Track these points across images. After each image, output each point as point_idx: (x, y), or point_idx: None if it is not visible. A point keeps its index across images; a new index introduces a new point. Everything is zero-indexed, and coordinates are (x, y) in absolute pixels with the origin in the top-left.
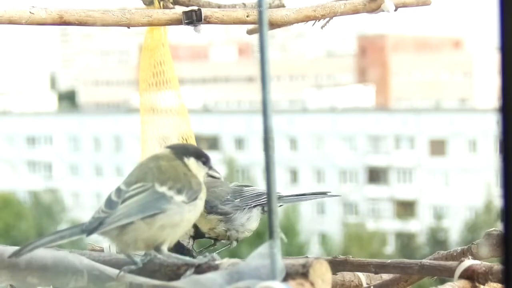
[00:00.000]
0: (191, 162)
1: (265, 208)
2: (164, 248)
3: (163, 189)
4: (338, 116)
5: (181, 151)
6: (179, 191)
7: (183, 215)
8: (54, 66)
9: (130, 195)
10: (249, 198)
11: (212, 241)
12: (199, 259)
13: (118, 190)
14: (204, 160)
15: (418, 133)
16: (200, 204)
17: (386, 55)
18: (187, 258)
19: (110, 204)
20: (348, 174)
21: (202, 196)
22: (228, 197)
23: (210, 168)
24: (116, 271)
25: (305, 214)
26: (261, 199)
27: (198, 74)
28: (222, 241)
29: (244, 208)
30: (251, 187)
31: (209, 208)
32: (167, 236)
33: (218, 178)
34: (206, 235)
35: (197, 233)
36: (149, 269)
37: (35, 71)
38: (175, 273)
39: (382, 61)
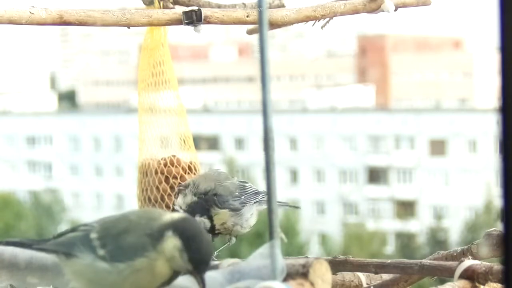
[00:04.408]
0: (170, 241)
1: (260, 206)
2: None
3: (93, 236)
4: (338, 116)
5: (166, 226)
6: (103, 245)
7: (98, 272)
8: (54, 66)
9: (72, 230)
10: (251, 195)
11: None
12: None
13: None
14: (188, 247)
15: (418, 133)
16: (126, 271)
17: (386, 55)
18: None
19: (60, 233)
20: (348, 174)
21: (139, 264)
22: (237, 193)
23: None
24: None
25: (305, 214)
26: (259, 197)
27: (198, 74)
28: (222, 235)
29: (248, 204)
30: (249, 184)
31: (222, 203)
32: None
33: None
34: (216, 231)
35: (209, 229)
36: None
37: (35, 71)
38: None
39: (382, 61)
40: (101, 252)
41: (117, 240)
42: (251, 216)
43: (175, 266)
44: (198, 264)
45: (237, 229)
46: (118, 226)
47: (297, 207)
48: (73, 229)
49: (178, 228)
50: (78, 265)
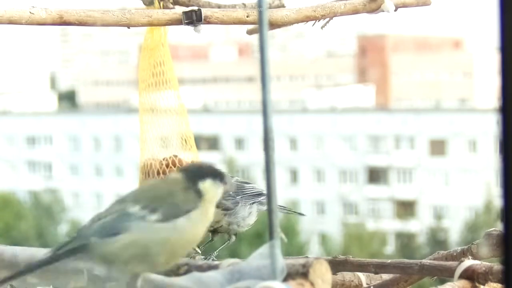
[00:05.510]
0: (207, 185)
1: (261, 206)
2: (140, 278)
3: (134, 209)
4: (338, 116)
5: (195, 174)
6: (153, 210)
7: (155, 235)
8: (54, 66)
9: (102, 216)
10: (249, 196)
11: (210, 236)
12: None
13: (101, 212)
14: (220, 178)
15: (418, 133)
16: (186, 223)
17: (386, 55)
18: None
19: (80, 228)
20: (348, 174)
21: (195, 216)
22: (230, 192)
23: (226, 183)
24: None
25: (305, 214)
26: (261, 198)
27: (198, 74)
28: (222, 235)
29: (244, 204)
30: (251, 185)
31: None
32: (137, 257)
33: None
34: (210, 228)
35: None
36: None
37: (35, 71)
38: (175, 273)
39: (382, 61)
40: (153, 217)
41: (167, 201)
42: (249, 215)
43: (217, 202)
44: (227, 183)
45: (233, 228)
46: (159, 192)
47: (302, 214)
48: (93, 221)
49: (200, 175)
50: (127, 239)
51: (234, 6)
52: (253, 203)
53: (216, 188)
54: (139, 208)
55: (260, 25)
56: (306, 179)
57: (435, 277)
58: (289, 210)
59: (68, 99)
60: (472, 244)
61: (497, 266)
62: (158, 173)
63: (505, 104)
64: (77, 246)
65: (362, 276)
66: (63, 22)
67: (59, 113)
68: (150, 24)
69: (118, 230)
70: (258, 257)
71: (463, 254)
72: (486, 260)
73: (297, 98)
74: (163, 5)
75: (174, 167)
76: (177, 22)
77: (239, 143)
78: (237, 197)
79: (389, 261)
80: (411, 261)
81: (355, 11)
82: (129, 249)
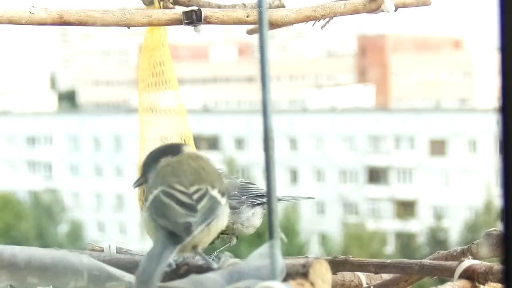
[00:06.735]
0: None
1: (265, 207)
2: (199, 248)
3: (214, 193)
4: (338, 116)
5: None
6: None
7: (225, 219)
8: (54, 66)
9: (196, 198)
10: (254, 197)
11: None
12: (217, 262)
13: (182, 192)
14: None
15: (418, 133)
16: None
17: (386, 55)
18: (211, 260)
19: (190, 207)
20: (348, 174)
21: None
22: (236, 192)
23: None
24: (119, 271)
25: (305, 214)
26: (265, 199)
27: (198, 74)
28: (222, 237)
29: (249, 205)
30: (256, 186)
31: None
32: (211, 239)
33: None
34: None
35: None
36: None
37: (35, 71)
38: (175, 272)
39: (382, 61)
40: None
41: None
42: (252, 215)
43: None
44: None
45: (238, 228)
46: (217, 175)
47: (311, 198)
48: (193, 203)
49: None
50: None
51: (234, 6)
52: (257, 204)
53: None
54: (216, 192)
55: (260, 25)
56: (306, 179)
57: (435, 277)
58: (297, 198)
59: (68, 99)
60: (472, 244)
61: (497, 266)
62: None
63: (505, 104)
64: (201, 228)
65: (362, 276)
66: (63, 22)
67: (59, 113)
68: (150, 24)
69: (213, 217)
70: (257, 257)
71: (463, 254)
72: (486, 260)
73: (297, 98)
74: (163, 5)
75: None
76: (177, 22)
77: (239, 143)
78: (242, 197)
79: (389, 261)
80: (411, 261)
81: (355, 11)
82: (215, 233)
